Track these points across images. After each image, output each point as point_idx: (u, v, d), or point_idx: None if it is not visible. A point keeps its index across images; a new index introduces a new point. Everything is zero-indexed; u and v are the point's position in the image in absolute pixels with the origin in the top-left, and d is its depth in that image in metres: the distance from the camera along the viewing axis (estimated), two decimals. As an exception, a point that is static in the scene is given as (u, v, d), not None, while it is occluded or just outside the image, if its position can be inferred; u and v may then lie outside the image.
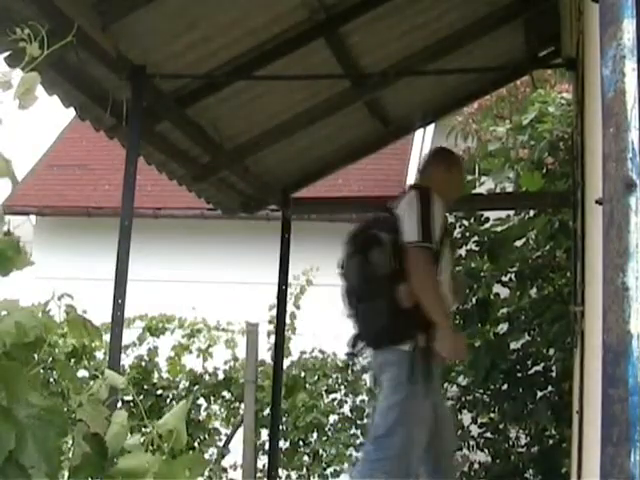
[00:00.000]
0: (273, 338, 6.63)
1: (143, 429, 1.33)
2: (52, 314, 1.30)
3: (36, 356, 1.23)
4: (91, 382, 1.32)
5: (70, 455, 1.25)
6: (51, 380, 6.63)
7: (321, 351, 7.87)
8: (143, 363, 7.78)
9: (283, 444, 7.41)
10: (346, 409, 7.69)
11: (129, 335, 7.38)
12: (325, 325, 8.28)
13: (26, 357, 1.21)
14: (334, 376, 7.75)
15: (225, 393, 7.87)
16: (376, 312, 4.12)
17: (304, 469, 7.61)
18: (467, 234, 6.25)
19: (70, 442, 1.26)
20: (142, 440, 1.31)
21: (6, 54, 3.23)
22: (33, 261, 1.29)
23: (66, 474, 1.22)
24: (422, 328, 3.99)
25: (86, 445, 1.25)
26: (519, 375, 5.54)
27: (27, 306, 1.25)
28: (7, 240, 1.24)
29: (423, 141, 11.03)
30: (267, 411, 7.19)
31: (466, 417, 6.40)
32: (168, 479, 1.20)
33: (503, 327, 6.04)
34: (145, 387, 7.71)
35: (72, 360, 7.53)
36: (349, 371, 7.73)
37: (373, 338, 4.26)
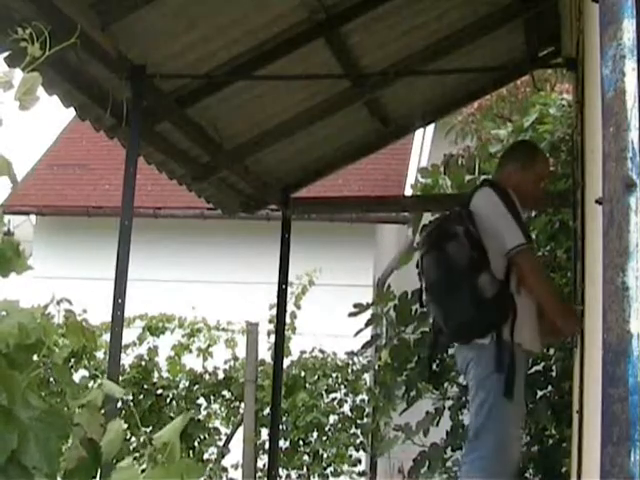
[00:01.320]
0: (273, 338, 6.64)
1: (139, 431, 1.33)
2: (51, 316, 1.30)
3: (36, 358, 1.23)
4: (89, 384, 1.33)
5: (66, 458, 1.25)
6: (51, 380, 6.63)
7: (321, 351, 7.88)
8: (143, 363, 7.78)
9: (283, 444, 7.41)
10: (346, 409, 7.69)
11: (129, 335, 7.39)
12: (325, 325, 8.30)
13: (27, 359, 1.22)
14: (334, 376, 7.75)
15: (225, 392, 7.87)
16: (459, 304, 4.00)
17: (304, 469, 7.61)
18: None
19: (68, 445, 1.27)
20: (135, 449, 1.31)
21: (5, 54, 3.23)
22: (32, 266, 1.29)
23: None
24: (505, 319, 3.89)
25: (82, 449, 1.25)
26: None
27: (27, 308, 1.25)
28: (6, 241, 1.24)
29: (423, 141, 11.04)
30: (267, 411, 7.19)
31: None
32: None
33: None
34: (145, 387, 7.71)
35: (72, 360, 7.53)
36: (349, 370, 7.73)
37: (456, 331, 4.13)
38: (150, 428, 7.00)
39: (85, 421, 1.28)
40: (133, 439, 6.45)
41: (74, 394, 1.32)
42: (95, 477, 1.27)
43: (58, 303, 1.32)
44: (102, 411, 1.34)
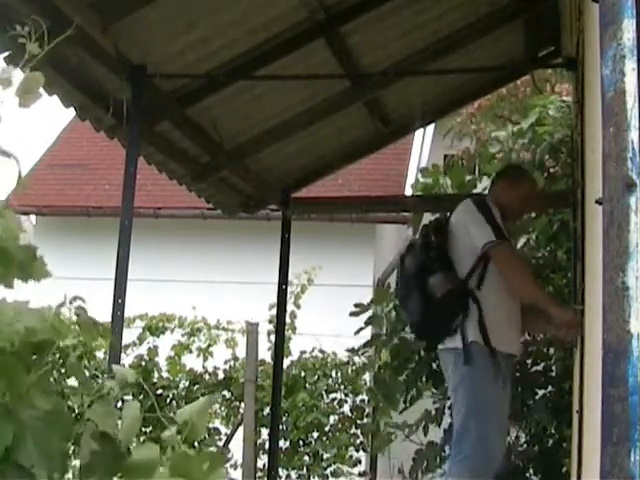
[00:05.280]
0: (273, 338, 6.63)
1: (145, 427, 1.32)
2: (63, 317, 1.29)
3: (44, 356, 1.23)
4: (99, 380, 1.32)
5: (78, 455, 1.24)
6: (51, 380, 6.62)
7: (321, 351, 7.87)
8: (143, 363, 7.78)
9: (283, 444, 7.40)
10: (346, 409, 7.69)
11: (129, 335, 7.38)
12: (325, 325, 8.30)
13: (35, 358, 1.21)
14: (334, 376, 7.75)
15: (225, 392, 7.87)
16: (412, 306, 4.35)
17: (304, 469, 7.61)
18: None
19: (77, 443, 1.26)
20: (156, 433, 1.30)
21: (6, 54, 3.22)
22: (51, 272, 1.28)
23: (71, 476, 1.22)
24: (454, 315, 4.13)
25: (94, 443, 1.24)
26: (519, 374, 5.54)
27: (37, 308, 1.24)
28: (23, 247, 1.24)
29: (423, 141, 11.05)
30: (267, 411, 7.18)
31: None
32: (184, 475, 1.19)
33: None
34: (145, 387, 7.70)
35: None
36: (349, 370, 7.73)
37: (415, 331, 4.66)
38: (150, 428, 7.01)
39: (98, 416, 1.27)
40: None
41: (88, 390, 1.31)
42: (113, 471, 1.26)
43: (71, 302, 1.31)
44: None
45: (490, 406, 4.05)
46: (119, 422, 1.29)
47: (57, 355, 6.57)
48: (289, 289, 6.46)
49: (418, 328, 4.50)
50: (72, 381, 1.41)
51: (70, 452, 1.20)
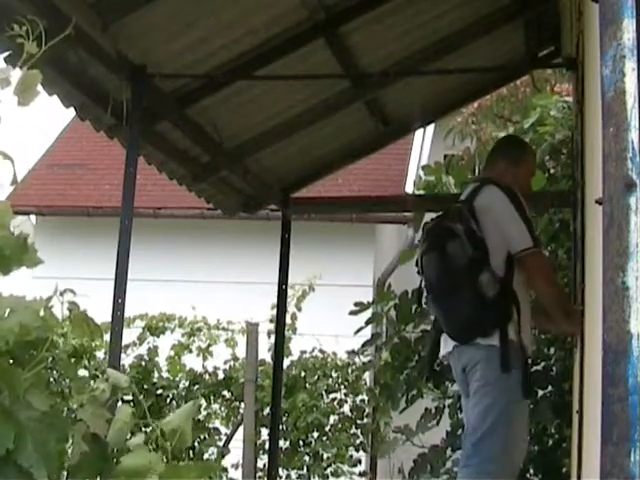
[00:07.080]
0: (273, 338, 6.63)
1: (145, 428, 1.32)
2: (54, 311, 1.29)
3: (39, 354, 1.23)
4: (92, 382, 1.32)
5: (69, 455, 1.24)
6: (51, 380, 6.62)
7: (321, 351, 7.87)
8: (143, 363, 7.78)
9: (283, 444, 7.40)
10: (346, 409, 7.69)
11: (129, 335, 7.38)
12: (325, 325, 8.30)
13: (29, 355, 1.21)
14: (334, 376, 7.75)
15: (225, 392, 7.87)
16: (459, 305, 3.93)
17: (304, 469, 7.61)
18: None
19: (70, 443, 1.26)
20: (145, 439, 1.30)
21: (6, 54, 3.22)
22: (42, 260, 1.28)
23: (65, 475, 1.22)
24: (509, 319, 3.80)
25: (84, 445, 1.25)
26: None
27: (30, 302, 1.25)
28: (12, 238, 1.24)
29: (423, 141, 11.04)
30: (267, 411, 7.19)
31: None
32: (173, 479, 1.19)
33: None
34: (145, 387, 7.71)
35: (72, 359, 7.52)
36: (349, 370, 7.73)
37: (458, 332, 4.02)
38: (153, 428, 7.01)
39: (88, 416, 1.28)
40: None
41: (79, 389, 1.31)
42: (101, 472, 1.26)
43: (61, 294, 1.31)
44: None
45: (521, 411, 3.86)
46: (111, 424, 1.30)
47: (54, 357, 6.58)
48: (291, 292, 6.46)
49: (463, 328, 3.98)
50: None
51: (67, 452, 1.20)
